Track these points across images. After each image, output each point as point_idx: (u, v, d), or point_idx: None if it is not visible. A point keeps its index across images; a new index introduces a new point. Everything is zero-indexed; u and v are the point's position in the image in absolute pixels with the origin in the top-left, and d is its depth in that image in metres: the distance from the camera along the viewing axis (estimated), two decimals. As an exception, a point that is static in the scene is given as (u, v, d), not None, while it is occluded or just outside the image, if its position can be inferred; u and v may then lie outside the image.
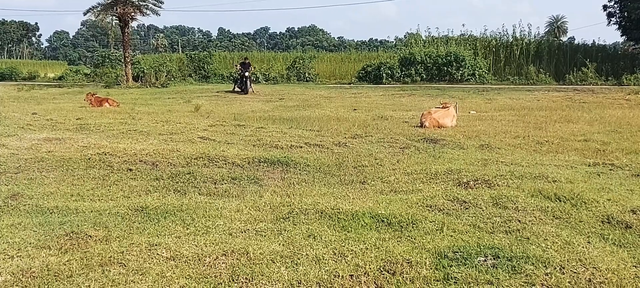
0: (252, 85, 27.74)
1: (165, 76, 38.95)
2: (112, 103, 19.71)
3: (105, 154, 8.52)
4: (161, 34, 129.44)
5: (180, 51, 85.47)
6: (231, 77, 41.64)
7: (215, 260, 4.24)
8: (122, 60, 40.99)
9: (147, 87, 35.58)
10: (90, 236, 4.79)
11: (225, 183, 7.11)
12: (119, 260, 4.22)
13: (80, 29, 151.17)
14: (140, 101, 22.95)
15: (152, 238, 4.72)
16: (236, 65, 29.44)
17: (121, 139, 10.48)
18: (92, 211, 5.66)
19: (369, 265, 4.12)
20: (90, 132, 11.63)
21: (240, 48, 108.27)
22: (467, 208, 5.70)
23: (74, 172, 7.60)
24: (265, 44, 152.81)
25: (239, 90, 27.52)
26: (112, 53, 53.75)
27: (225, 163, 8.16)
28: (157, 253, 4.34)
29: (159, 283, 3.85)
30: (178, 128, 12.26)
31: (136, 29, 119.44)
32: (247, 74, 27.27)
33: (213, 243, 4.59)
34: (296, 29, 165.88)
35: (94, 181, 7.18)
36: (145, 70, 39.91)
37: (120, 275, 3.97)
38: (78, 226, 5.08)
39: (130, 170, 7.76)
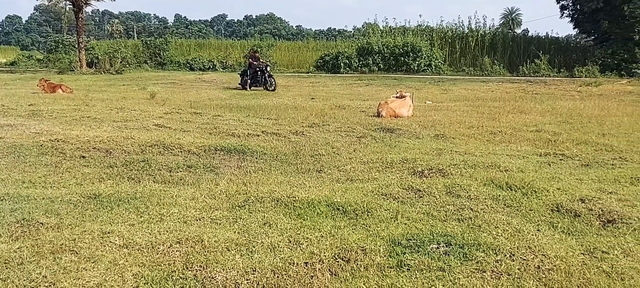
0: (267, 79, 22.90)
1: (120, 62, 38.37)
2: (65, 89, 19.32)
3: (57, 141, 8.34)
4: (116, 20, 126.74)
5: (136, 37, 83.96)
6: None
7: (169, 248, 4.21)
8: (76, 46, 40.18)
9: (101, 73, 35.04)
10: (42, 223, 4.70)
11: (181, 171, 7.05)
12: (71, 247, 4.15)
13: (33, 13, 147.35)
14: (94, 88, 22.50)
15: (104, 226, 4.65)
16: (248, 60, 24.80)
17: (74, 125, 10.27)
18: (43, 198, 5.55)
19: (324, 253, 4.15)
20: (42, 118, 11.37)
21: (197, 35, 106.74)
22: (421, 197, 5.77)
23: (25, 159, 7.43)
24: (223, 32, 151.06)
25: (248, 86, 22.93)
26: (65, 38, 52.54)
27: (181, 151, 8.09)
28: (110, 241, 4.29)
29: (112, 271, 3.80)
30: (133, 115, 12.09)
31: (90, 14, 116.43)
32: (267, 68, 23.16)
33: (167, 231, 4.55)
34: (254, 17, 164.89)
35: (46, 168, 7.03)
36: (99, 56, 39.31)
37: (72, 262, 3.91)
38: (29, 213, 4.97)
39: (83, 157, 7.62)
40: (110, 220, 4.92)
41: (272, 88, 22.35)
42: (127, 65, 39.37)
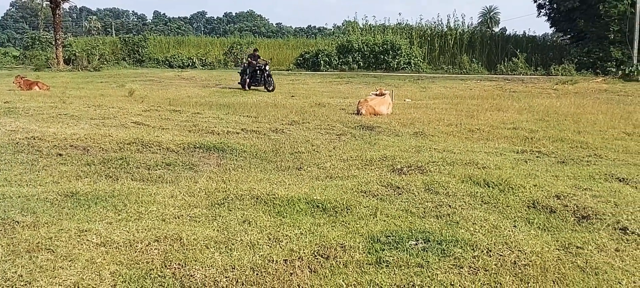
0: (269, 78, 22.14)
1: (98, 59, 38.15)
2: (42, 86, 19.14)
3: (34, 138, 8.24)
4: (94, 16, 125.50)
5: (114, 34, 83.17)
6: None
7: (147, 246, 4.18)
8: (53, 43, 39.80)
9: (78, 70, 34.78)
10: (18, 222, 4.63)
11: (159, 169, 7.01)
12: (47, 246, 4.10)
13: (10, 9, 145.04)
14: (71, 85, 22.30)
15: (82, 224, 4.60)
16: (247, 60, 23.74)
17: (51, 123, 10.16)
18: (19, 196, 5.48)
19: (303, 250, 4.16)
20: (18, 115, 11.23)
21: (176, 32, 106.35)
22: (400, 194, 5.80)
23: (0, 157, 7.33)
24: (202, 29, 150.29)
25: (247, 85, 22.18)
26: (42, 35, 52.01)
27: (160, 149, 8.03)
28: (87, 239, 4.25)
29: (89, 269, 3.77)
30: (111, 112, 11.99)
31: (68, 10, 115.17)
32: (267, 67, 22.17)
33: (145, 229, 4.52)
34: (234, 14, 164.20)
35: (22, 166, 6.94)
36: (77, 53, 38.99)
37: (48, 261, 3.87)
38: (5, 212, 4.90)
39: (60, 155, 7.54)
40: (87, 218, 4.87)
41: (271, 88, 21.64)
42: (105, 63, 39.19)
